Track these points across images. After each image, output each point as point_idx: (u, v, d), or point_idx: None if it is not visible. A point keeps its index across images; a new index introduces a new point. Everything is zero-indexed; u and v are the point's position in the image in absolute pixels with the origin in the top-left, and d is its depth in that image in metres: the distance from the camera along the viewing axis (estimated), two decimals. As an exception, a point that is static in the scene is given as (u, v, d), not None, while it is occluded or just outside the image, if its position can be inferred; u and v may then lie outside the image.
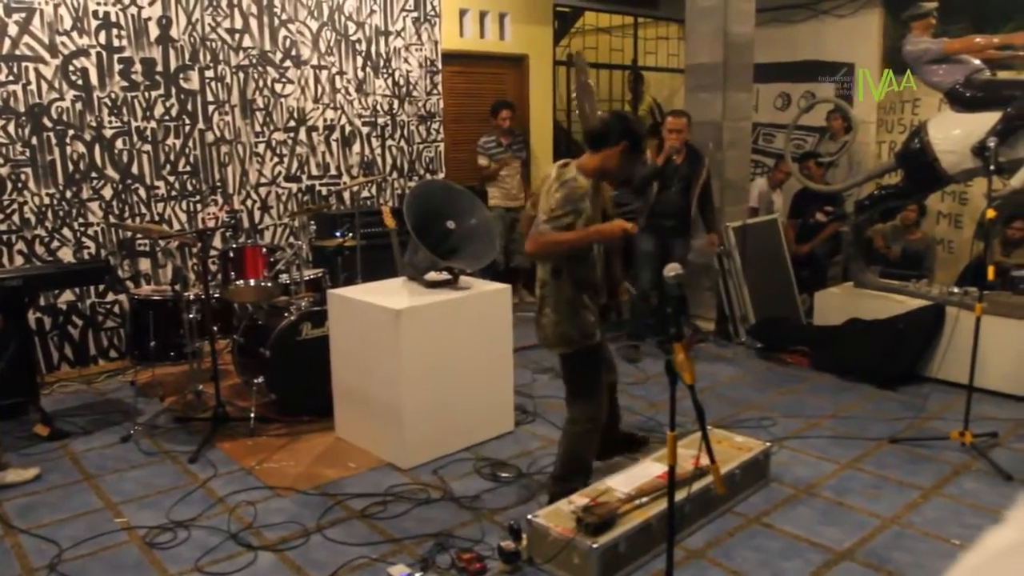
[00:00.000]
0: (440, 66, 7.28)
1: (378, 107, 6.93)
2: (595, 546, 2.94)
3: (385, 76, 6.92)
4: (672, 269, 2.30)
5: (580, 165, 3.37)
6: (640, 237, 5.72)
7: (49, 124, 5.32)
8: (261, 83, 6.21)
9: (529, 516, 3.19)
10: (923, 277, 6.02)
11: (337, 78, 6.63)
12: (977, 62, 5.19)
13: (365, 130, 6.88)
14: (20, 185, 5.25)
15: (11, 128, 5.18)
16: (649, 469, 3.53)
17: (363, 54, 6.76)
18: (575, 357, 3.46)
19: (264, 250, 4.72)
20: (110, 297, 5.69)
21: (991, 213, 4.05)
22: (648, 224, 5.74)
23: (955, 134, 5.17)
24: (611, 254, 3.65)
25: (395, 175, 7.15)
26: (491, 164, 7.03)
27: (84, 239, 5.53)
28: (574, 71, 3.76)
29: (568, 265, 3.34)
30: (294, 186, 6.51)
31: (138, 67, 5.62)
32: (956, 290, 5.49)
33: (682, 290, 2.34)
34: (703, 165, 5.72)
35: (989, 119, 4.96)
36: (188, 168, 5.93)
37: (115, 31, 5.50)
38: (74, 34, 5.34)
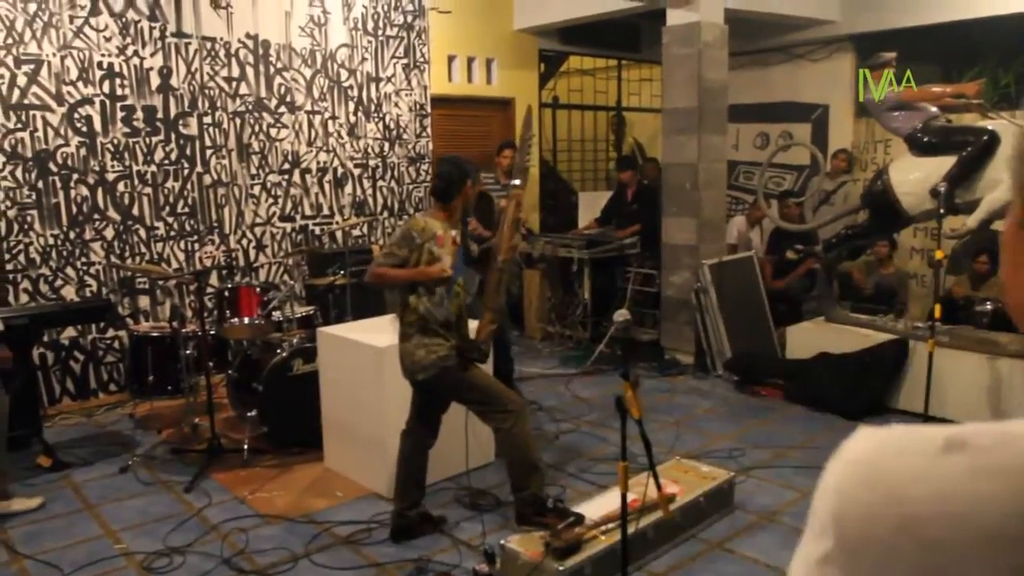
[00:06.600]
0: (429, 110, 7.59)
1: (369, 149, 7.22)
2: (561, 569, 3.16)
3: (376, 120, 7.22)
4: (621, 315, 2.55)
5: (434, 216, 3.70)
6: None
7: (55, 168, 5.59)
8: (257, 128, 6.50)
9: (502, 541, 3.42)
10: (895, 311, 6.26)
11: (330, 122, 6.93)
12: (934, 109, 5.47)
13: (357, 172, 7.16)
14: (26, 227, 5.51)
15: (18, 173, 5.45)
16: (617, 497, 3.75)
17: (355, 99, 7.07)
18: (438, 380, 3.62)
19: (258, 289, 4.97)
20: (110, 333, 5.93)
21: (939, 254, 4.33)
22: None
23: (914, 177, 5.43)
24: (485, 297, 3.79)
25: (386, 214, 7.42)
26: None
27: (86, 278, 5.78)
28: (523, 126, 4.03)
29: (413, 299, 3.59)
30: (288, 226, 6.78)
31: (140, 114, 5.91)
32: (921, 325, 5.73)
33: (629, 333, 2.58)
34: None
35: (946, 163, 5.20)
36: (186, 209, 6.20)
37: (118, 81, 5.79)
38: (80, 84, 5.63)
